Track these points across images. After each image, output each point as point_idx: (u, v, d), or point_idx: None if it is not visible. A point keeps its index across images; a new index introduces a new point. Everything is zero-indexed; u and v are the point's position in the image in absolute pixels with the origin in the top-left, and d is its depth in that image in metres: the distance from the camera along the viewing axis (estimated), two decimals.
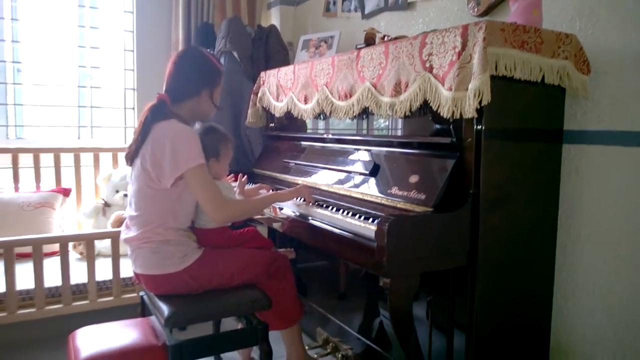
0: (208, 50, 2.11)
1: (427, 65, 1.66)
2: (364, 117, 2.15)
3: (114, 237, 2.44)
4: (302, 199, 2.04)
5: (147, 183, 1.80)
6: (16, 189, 3.00)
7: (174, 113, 1.87)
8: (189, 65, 1.94)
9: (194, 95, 1.93)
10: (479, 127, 1.58)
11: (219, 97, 2.02)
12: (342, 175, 2.07)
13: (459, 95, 1.53)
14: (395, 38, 1.96)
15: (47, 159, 3.11)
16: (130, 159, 1.88)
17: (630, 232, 1.72)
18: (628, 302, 1.74)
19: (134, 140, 1.85)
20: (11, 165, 3.00)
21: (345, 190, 1.99)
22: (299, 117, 2.47)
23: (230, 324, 2.51)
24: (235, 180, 2.28)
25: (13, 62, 3.22)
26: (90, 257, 2.41)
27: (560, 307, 1.92)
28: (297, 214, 2.01)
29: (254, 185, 2.39)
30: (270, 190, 2.35)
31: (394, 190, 1.75)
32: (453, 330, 1.72)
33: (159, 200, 1.81)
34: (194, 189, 1.78)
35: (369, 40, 2.22)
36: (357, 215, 1.72)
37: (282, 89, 2.61)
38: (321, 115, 2.41)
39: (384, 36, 2.15)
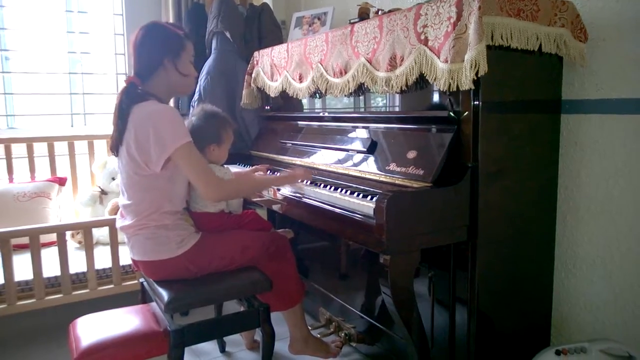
0: (170, 22, 2.02)
1: (422, 37, 1.62)
2: (360, 94, 2.11)
3: (112, 225, 2.41)
4: (306, 182, 2.00)
5: (135, 171, 1.77)
6: (10, 179, 2.97)
7: (149, 93, 1.81)
8: (146, 39, 1.84)
9: (158, 67, 1.84)
10: (476, 98, 1.55)
11: (186, 65, 1.89)
12: (340, 154, 2.05)
13: (455, 67, 1.50)
14: (390, 11, 1.92)
15: (40, 148, 3.07)
16: (115, 148, 1.83)
17: (629, 201, 1.71)
18: (628, 271, 1.73)
19: (115, 128, 1.80)
20: (4, 156, 2.96)
21: (343, 169, 1.97)
22: (295, 97, 2.44)
23: (233, 307, 2.51)
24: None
25: (1, 50, 3.17)
26: (88, 245, 2.39)
27: (562, 278, 1.92)
28: (296, 194, 1.99)
29: (249, 168, 2.38)
30: (268, 172, 2.34)
31: (392, 166, 1.73)
32: (455, 305, 1.72)
33: (150, 186, 1.78)
34: (185, 169, 1.74)
35: (363, 15, 2.18)
36: (356, 193, 1.70)
37: (276, 68, 2.57)
38: (317, 94, 2.38)
39: (378, 10, 2.11)
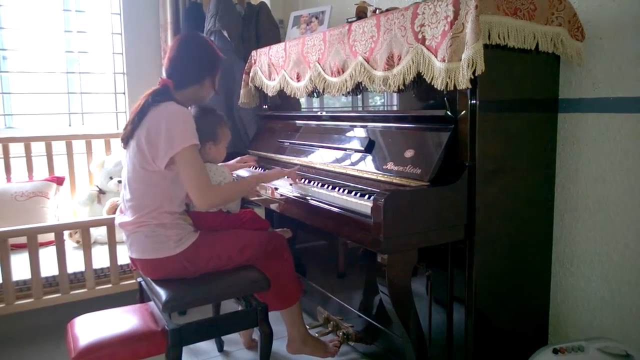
0: (209, 38, 2.09)
1: (420, 36, 1.62)
2: (358, 93, 2.12)
3: (110, 224, 2.42)
4: (289, 181, 2.03)
5: (142, 165, 1.79)
6: (8, 179, 2.96)
7: (174, 98, 1.85)
8: (194, 53, 1.94)
9: (197, 83, 1.93)
10: (473, 97, 1.55)
11: (217, 82, 2.04)
12: (338, 153, 2.05)
13: (452, 66, 1.50)
14: (387, 10, 1.92)
15: (38, 148, 3.07)
16: (126, 141, 1.86)
17: (626, 200, 1.71)
18: (626, 269, 1.74)
19: (130, 121, 1.84)
20: (2, 156, 2.95)
21: (341, 168, 1.97)
22: (293, 96, 2.44)
23: (231, 306, 2.51)
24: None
25: None
26: (86, 245, 2.39)
27: (559, 276, 1.92)
28: (294, 193, 1.99)
29: (234, 160, 2.40)
30: (255, 166, 2.35)
31: (390, 165, 1.73)
32: (452, 304, 1.72)
33: (153, 183, 1.80)
34: (183, 170, 1.76)
35: (360, 14, 2.18)
36: (354, 193, 1.70)
37: (274, 68, 2.57)
38: (315, 93, 2.38)
39: (376, 9, 2.11)
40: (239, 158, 2.43)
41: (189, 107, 2.01)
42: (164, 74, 1.94)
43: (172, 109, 1.79)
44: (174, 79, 1.90)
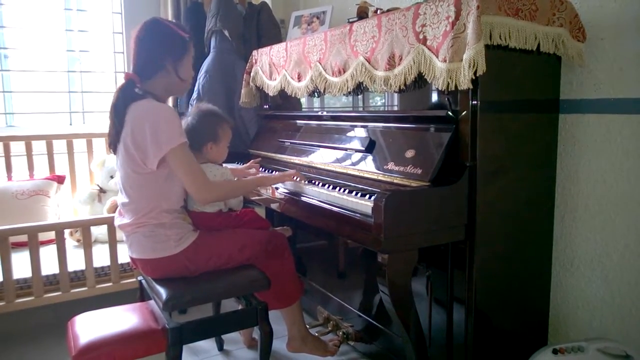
0: (172, 20, 2.02)
1: (421, 36, 1.63)
2: (359, 93, 2.12)
3: (110, 223, 2.41)
4: (297, 178, 2.01)
5: (133, 168, 1.76)
6: (9, 177, 2.97)
7: (147, 91, 1.79)
8: (149, 38, 1.82)
9: (160, 69, 1.82)
10: (474, 98, 1.55)
11: (186, 69, 1.89)
12: (339, 153, 2.05)
13: (454, 66, 1.50)
14: (388, 10, 1.92)
15: (39, 147, 3.07)
16: (114, 146, 1.83)
17: (627, 200, 1.72)
18: (626, 269, 1.74)
19: (112, 126, 1.80)
20: (3, 154, 2.96)
21: (342, 168, 1.97)
22: (293, 96, 2.44)
23: (231, 305, 2.51)
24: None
25: (0, 48, 3.17)
26: (87, 243, 2.39)
27: (559, 276, 1.92)
28: (295, 193, 2.00)
29: (243, 165, 2.38)
30: (261, 169, 2.34)
31: (391, 165, 1.73)
32: (452, 304, 1.72)
33: (148, 185, 1.78)
34: (177, 169, 1.74)
35: (362, 14, 2.18)
36: (354, 192, 1.71)
37: (275, 67, 2.57)
38: (315, 93, 2.38)
39: (377, 9, 2.11)
40: (248, 164, 2.40)
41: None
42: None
43: (153, 107, 1.73)
44: (137, 72, 1.82)
